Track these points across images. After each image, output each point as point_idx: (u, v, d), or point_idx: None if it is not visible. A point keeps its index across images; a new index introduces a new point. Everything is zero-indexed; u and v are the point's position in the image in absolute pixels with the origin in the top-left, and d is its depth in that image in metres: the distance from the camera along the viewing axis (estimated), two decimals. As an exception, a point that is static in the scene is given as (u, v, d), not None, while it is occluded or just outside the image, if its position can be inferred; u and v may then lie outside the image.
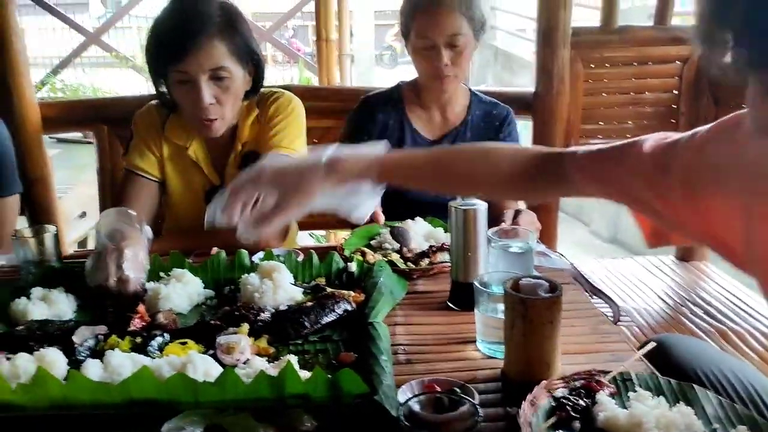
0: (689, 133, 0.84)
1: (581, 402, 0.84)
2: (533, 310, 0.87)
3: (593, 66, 2.33)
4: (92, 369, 0.89)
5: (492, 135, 1.78)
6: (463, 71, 1.69)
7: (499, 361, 0.99)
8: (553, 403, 0.85)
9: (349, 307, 1.14)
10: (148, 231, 1.30)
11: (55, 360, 0.94)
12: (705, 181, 0.80)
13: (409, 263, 1.35)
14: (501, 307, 1.00)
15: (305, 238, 3.14)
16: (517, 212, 1.38)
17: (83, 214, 3.15)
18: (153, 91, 1.62)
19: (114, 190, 2.26)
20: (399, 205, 1.60)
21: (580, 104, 2.29)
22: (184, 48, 1.42)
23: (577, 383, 0.88)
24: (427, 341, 1.08)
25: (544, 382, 0.86)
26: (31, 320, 1.12)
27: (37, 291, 1.20)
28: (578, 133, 2.29)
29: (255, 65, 1.58)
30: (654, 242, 0.98)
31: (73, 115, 2.27)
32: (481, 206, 1.14)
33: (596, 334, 1.09)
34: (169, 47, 1.45)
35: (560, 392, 0.86)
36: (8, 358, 0.98)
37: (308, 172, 0.99)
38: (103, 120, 2.23)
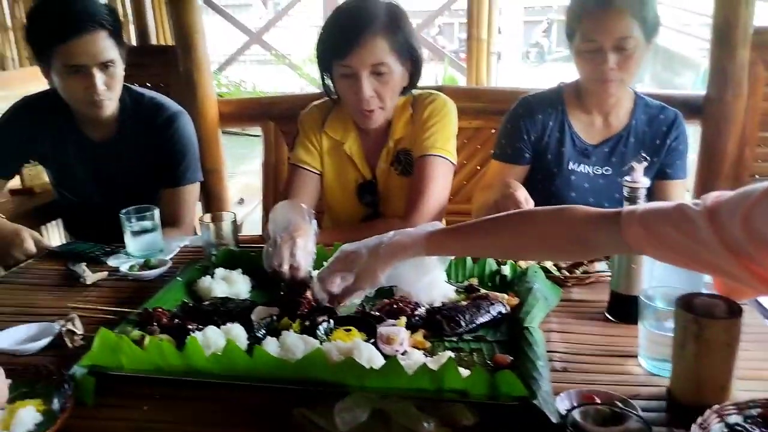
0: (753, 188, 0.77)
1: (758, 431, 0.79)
2: (709, 331, 0.83)
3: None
4: (270, 346, 0.98)
5: (658, 141, 1.69)
6: (630, 76, 1.60)
7: (664, 379, 0.95)
8: (725, 430, 0.81)
9: (503, 310, 1.15)
10: (315, 224, 1.40)
11: (238, 335, 1.05)
12: None
13: (563, 270, 1.33)
14: (669, 323, 0.96)
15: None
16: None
17: (241, 201, 3.42)
18: (308, 88, 1.76)
19: (276, 182, 2.44)
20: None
21: (759, 110, 2.09)
22: (349, 44, 1.53)
23: (754, 411, 0.82)
24: (584, 351, 1.07)
25: (716, 406, 0.82)
26: (214, 297, 1.25)
27: (219, 271, 1.34)
28: (755, 141, 2.10)
29: (413, 62, 1.64)
30: (727, 294, 0.90)
31: (247, 112, 2.47)
32: (648, 217, 1.10)
33: (774, 361, 1.01)
34: (336, 43, 1.56)
35: (734, 419, 0.82)
36: (199, 329, 1.11)
37: (371, 258, 1.12)
38: (271, 117, 2.41)
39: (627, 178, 1.10)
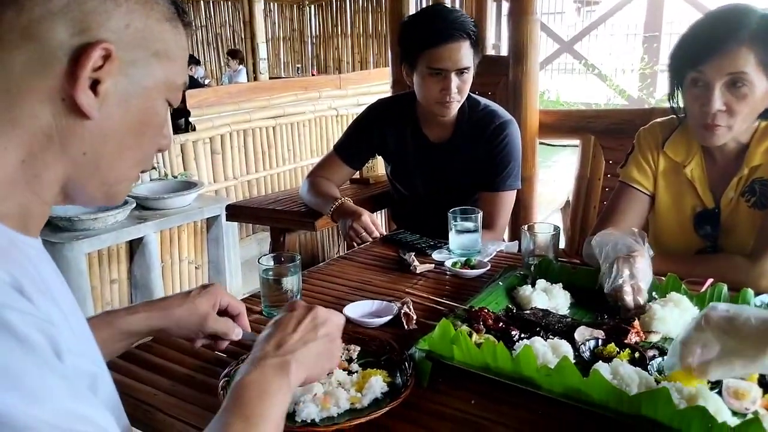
0: None
1: None
2: None
3: None
4: (602, 371, 0.95)
5: None
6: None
7: None
8: None
9: None
10: (648, 247, 1.31)
11: (566, 352, 1.04)
12: None
13: None
14: None
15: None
16: None
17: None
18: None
19: (588, 197, 2.37)
20: None
21: None
22: (706, 51, 1.40)
23: None
24: None
25: None
26: (535, 307, 1.26)
27: (540, 282, 1.35)
28: None
29: None
30: None
31: (568, 123, 2.45)
32: None
33: None
34: (692, 50, 1.44)
35: None
36: (522, 336, 1.13)
37: None
38: (591, 130, 2.35)
39: None
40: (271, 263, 1.32)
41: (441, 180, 2.07)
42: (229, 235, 3.38)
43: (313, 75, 8.70)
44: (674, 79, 1.53)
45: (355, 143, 2.17)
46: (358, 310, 1.29)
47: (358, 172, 2.63)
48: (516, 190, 2.05)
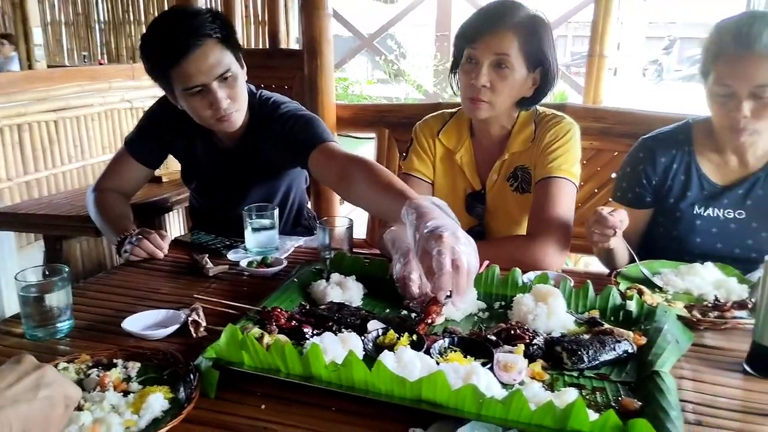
0: None
1: None
2: None
3: None
4: (388, 360, 0.97)
5: None
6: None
7: (818, 450, 0.86)
8: None
9: (630, 349, 1.08)
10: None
11: (356, 345, 1.05)
12: None
13: (694, 312, 1.24)
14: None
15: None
16: None
17: (342, 201, 3.49)
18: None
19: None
20: (685, 252, 1.51)
21: None
22: (479, 31, 1.59)
23: None
24: (720, 404, 0.98)
25: None
26: (331, 301, 1.26)
27: (335, 276, 1.35)
28: None
29: (543, 75, 1.63)
30: None
31: (363, 117, 2.51)
32: (808, 266, 0.99)
33: None
34: (469, 29, 1.62)
35: None
36: (315, 333, 1.12)
37: None
38: (386, 124, 2.43)
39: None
40: (33, 278, 1.16)
41: (241, 184, 1.87)
42: (3, 245, 2.95)
43: (101, 64, 7.94)
44: (455, 56, 1.69)
45: (147, 139, 1.87)
46: (139, 322, 1.19)
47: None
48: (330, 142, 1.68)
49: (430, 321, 1.15)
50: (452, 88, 1.74)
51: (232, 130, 1.71)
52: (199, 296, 1.29)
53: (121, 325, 1.17)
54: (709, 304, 1.26)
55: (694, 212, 1.59)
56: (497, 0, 1.65)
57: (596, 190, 2.26)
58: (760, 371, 1.05)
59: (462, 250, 1.07)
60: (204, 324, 1.17)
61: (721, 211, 1.57)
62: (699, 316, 1.22)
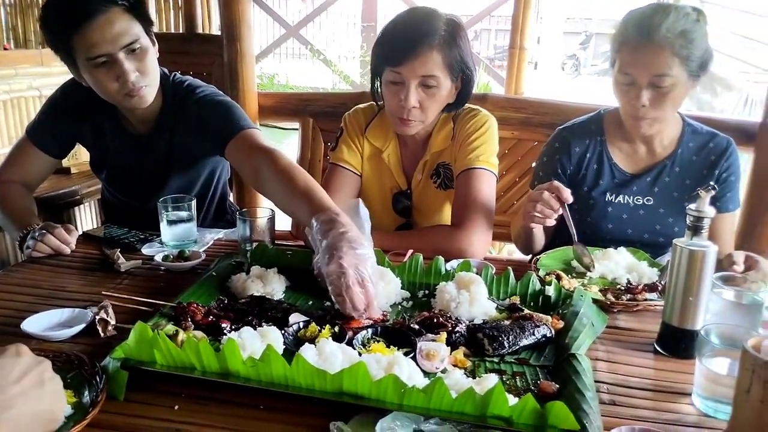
0: None
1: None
2: (782, 379, 0.77)
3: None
4: (309, 354, 0.95)
5: (705, 170, 1.61)
6: (666, 114, 1.51)
7: (720, 422, 0.90)
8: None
9: (548, 333, 1.10)
10: (368, 218, 1.38)
11: (275, 339, 1.01)
12: None
13: (608, 296, 1.28)
14: (727, 362, 0.91)
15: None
16: (749, 258, 1.24)
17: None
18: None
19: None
20: (597, 238, 1.56)
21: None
22: (403, 53, 1.52)
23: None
24: (632, 384, 1.01)
25: (782, 459, 0.77)
26: (251, 295, 1.22)
27: (255, 269, 1.31)
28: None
29: (464, 81, 1.62)
30: None
31: (286, 106, 2.45)
32: (711, 249, 1.04)
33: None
34: (392, 50, 1.55)
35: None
36: (233, 328, 1.08)
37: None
38: (309, 113, 2.39)
39: (692, 206, 1.04)
40: None
41: (156, 173, 1.76)
42: None
43: (6, 49, 7.42)
44: (374, 72, 1.65)
45: (50, 126, 1.75)
46: (42, 322, 1.11)
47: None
48: (253, 129, 1.65)
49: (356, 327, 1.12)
50: (374, 99, 1.70)
51: (142, 107, 1.60)
52: (109, 293, 1.21)
53: (21, 326, 1.08)
54: (622, 288, 1.31)
55: (606, 199, 1.65)
56: (414, 12, 1.61)
57: (517, 180, 2.31)
58: (669, 351, 1.10)
59: (362, 272, 1.11)
60: (113, 323, 1.10)
61: (631, 198, 1.64)
62: (612, 299, 1.26)
